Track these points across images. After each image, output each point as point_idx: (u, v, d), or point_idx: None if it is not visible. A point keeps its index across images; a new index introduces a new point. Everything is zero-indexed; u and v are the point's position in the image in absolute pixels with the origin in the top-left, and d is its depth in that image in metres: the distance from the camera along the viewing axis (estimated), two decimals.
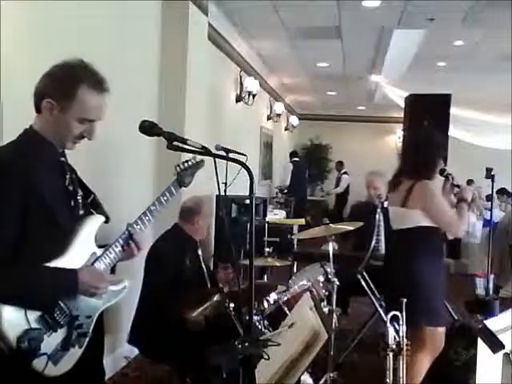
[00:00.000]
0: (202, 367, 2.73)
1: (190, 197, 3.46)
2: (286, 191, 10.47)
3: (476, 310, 4.27)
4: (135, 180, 4.03)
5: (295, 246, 5.66)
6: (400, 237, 3.19)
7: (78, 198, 1.85)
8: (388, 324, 2.60)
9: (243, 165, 1.75)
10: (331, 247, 3.43)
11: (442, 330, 3.15)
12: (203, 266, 3.32)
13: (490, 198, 5.91)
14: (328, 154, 14.04)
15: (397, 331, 2.61)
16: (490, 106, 8.97)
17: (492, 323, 1.81)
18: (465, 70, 8.03)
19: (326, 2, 5.39)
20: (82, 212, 1.85)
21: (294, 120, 12.77)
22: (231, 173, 4.12)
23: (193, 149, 1.77)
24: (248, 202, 1.76)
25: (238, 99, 7.30)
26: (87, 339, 1.78)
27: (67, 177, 1.82)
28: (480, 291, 5.56)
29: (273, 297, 3.33)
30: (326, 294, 3.50)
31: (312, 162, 13.38)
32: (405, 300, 2.65)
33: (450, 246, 7.50)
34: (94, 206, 1.92)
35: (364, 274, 4.10)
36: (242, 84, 7.32)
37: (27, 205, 1.63)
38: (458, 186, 3.28)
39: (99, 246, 1.86)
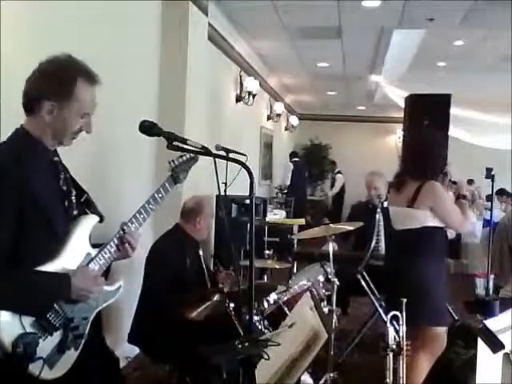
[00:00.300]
0: (202, 367, 2.73)
1: (191, 197, 3.46)
2: (285, 191, 10.47)
3: (476, 310, 4.28)
4: (135, 180, 4.03)
5: (295, 246, 5.66)
6: (405, 237, 3.19)
7: (72, 197, 1.84)
8: (388, 324, 2.60)
9: (243, 165, 1.75)
10: (331, 247, 3.43)
11: (445, 329, 3.18)
12: (204, 266, 3.32)
13: (490, 198, 5.91)
14: (328, 154, 14.04)
15: (397, 331, 2.62)
16: (490, 106, 8.96)
17: (492, 323, 1.81)
18: (465, 70, 8.03)
19: (326, 2, 5.39)
20: (75, 212, 1.84)
21: (294, 120, 12.76)
22: (231, 173, 4.13)
23: (193, 149, 1.77)
24: (248, 201, 1.76)
25: (238, 99, 7.29)
26: (83, 341, 1.77)
27: (61, 177, 1.81)
28: (480, 291, 5.56)
29: (273, 297, 3.33)
30: (326, 294, 3.50)
31: (312, 162, 13.38)
32: (405, 300, 2.65)
33: (450, 245, 7.49)
34: (87, 205, 1.91)
35: (364, 273, 4.10)
36: (241, 84, 7.32)
37: (22, 206, 1.62)
38: (455, 183, 3.30)
39: (98, 245, 1.85)
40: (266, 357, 1.67)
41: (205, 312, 2.80)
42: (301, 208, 10.02)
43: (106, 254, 1.84)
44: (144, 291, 3.20)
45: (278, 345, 1.80)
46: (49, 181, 1.76)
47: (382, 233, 4.37)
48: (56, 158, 1.82)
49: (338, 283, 3.28)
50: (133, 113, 3.64)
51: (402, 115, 7.00)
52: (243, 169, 1.73)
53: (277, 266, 3.86)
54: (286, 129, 12.68)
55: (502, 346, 1.75)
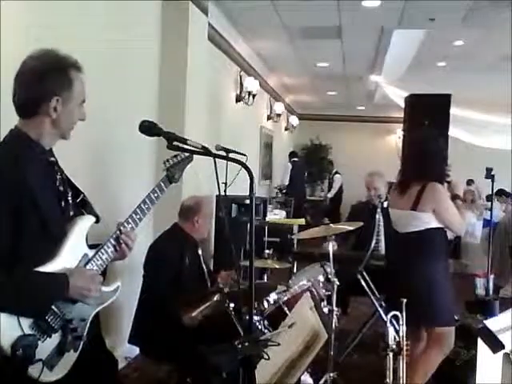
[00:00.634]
0: (202, 367, 2.73)
1: (190, 196, 3.47)
2: (284, 191, 10.47)
3: (476, 310, 4.27)
4: (135, 180, 4.02)
5: (295, 246, 5.66)
6: (409, 240, 3.18)
7: (69, 198, 1.83)
8: (388, 324, 2.60)
9: (243, 165, 1.74)
10: (331, 247, 3.43)
11: (453, 329, 3.20)
12: (203, 266, 3.32)
13: (490, 198, 5.91)
14: (328, 154, 14.03)
15: (397, 331, 2.62)
16: (490, 105, 8.96)
17: (492, 323, 1.81)
18: (465, 70, 8.03)
19: (326, 2, 5.39)
20: (72, 213, 1.83)
21: (294, 120, 12.76)
22: (231, 173, 4.13)
23: (193, 149, 1.77)
24: (248, 201, 1.76)
25: (238, 99, 7.29)
26: (82, 342, 1.76)
27: (58, 177, 1.80)
28: (480, 291, 5.55)
29: (273, 297, 3.32)
30: (326, 294, 3.50)
31: (312, 162, 13.38)
32: (405, 300, 2.65)
33: (450, 245, 7.50)
34: (83, 206, 1.90)
35: (364, 273, 4.10)
36: (241, 84, 7.32)
37: (19, 206, 1.62)
38: (449, 183, 3.30)
39: (95, 246, 1.84)
40: (266, 357, 1.68)
41: (205, 312, 2.80)
42: (300, 208, 10.03)
43: (103, 254, 1.83)
44: (144, 291, 3.20)
45: (278, 345, 1.80)
46: (46, 181, 1.75)
47: (381, 233, 4.37)
48: (52, 159, 1.81)
49: (337, 283, 3.28)
50: (133, 113, 3.64)
51: (402, 115, 7.01)
52: (243, 169, 1.72)
53: (277, 266, 3.85)
54: (286, 129, 12.68)
55: (502, 346, 1.74)
